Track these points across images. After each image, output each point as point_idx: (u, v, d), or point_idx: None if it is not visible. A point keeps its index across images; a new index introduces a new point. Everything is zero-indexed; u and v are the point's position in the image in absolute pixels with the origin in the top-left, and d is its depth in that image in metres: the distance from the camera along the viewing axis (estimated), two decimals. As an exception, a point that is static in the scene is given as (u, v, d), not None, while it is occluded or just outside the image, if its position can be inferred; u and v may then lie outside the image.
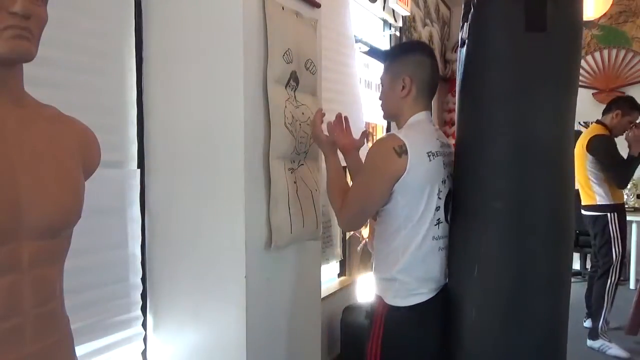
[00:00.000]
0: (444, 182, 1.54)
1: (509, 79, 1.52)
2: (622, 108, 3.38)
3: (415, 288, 1.52)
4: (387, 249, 1.55)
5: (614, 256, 3.38)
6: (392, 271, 1.52)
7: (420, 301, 1.52)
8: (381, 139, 1.58)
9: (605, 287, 3.41)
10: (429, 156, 1.49)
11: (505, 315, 1.53)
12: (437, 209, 1.52)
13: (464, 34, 1.60)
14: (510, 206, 1.52)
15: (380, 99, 1.68)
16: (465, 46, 1.60)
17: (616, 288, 3.43)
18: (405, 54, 1.64)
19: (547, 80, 1.53)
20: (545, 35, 1.49)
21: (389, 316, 1.53)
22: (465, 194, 1.60)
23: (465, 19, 1.61)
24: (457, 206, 1.62)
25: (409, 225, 1.50)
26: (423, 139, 1.52)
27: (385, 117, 1.73)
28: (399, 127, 1.62)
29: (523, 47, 1.50)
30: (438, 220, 1.53)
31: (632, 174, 3.35)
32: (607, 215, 3.39)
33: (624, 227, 3.43)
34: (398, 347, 1.53)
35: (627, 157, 3.30)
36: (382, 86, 1.66)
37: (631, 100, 3.50)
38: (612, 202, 3.40)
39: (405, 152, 1.44)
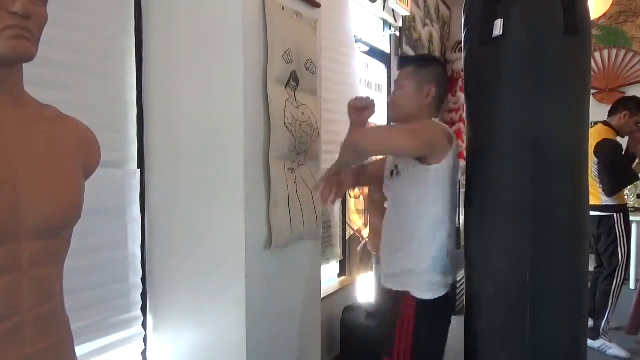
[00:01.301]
0: (457, 184, 1.67)
1: (548, 79, 1.54)
2: (629, 109, 3.39)
3: (438, 282, 1.60)
4: (413, 241, 1.60)
5: (620, 257, 3.38)
6: (422, 265, 1.58)
7: (441, 295, 1.61)
8: (441, 125, 1.68)
9: (611, 288, 3.40)
10: (454, 153, 1.62)
11: (518, 314, 1.55)
12: (458, 204, 1.71)
13: (497, 30, 1.56)
14: (522, 208, 1.53)
15: (393, 100, 1.73)
16: (498, 42, 1.56)
17: (621, 289, 3.43)
18: (431, 65, 1.75)
19: (578, 81, 1.59)
20: (579, 38, 1.54)
21: (419, 310, 1.58)
22: (486, 194, 1.61)
23: (490, 13, 1.57)
24: (477, 209, 1.64)
25: (436, 215, 1.58)
26: (450, 138, 1.63)
27: (395, 117, 1.75)
28: None
29: (562, 48, 1.53)
30: (457, 215, 1.71)
31: (623, 187, 3.38)
32: (613, 215, 3.38)
33: (629, 227, 3.44)
34: (428, 340, 1.61)
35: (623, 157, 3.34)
36: (402, 89, 1.70)
37: (638, 100, 3.49)
38: (617, 203, 3.40)
39: (451, 142, 1.59)
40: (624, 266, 3.39)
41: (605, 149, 3.32)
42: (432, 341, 1.62)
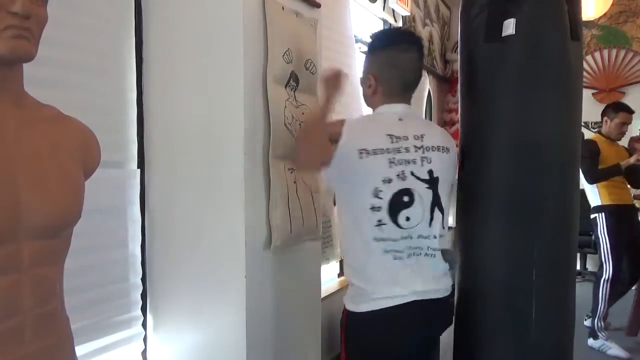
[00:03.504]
0: (387, 181, 1.42)
1: (551, 81, 1.55)
2: (607, 114, 3.61)
3: (371, 292, 1.42)
4: (344, 249, 1.54)
5: (602, 252, 3.49)
6: (348, 274, 1.49)
7: (378, 307, 1.41)
8: (338, 119, 1.55)
9: (598, 285, 3.48)
10: (360, 153, 1.41)
11: (507, 312, 1.56)
12: (377, 209, 1.42)
13: (510, 29, 1.53)
14: (511, 207, 1.54)
15: None
16: (506, 42, 1.55)
17: (610, 287, 3.45)
18: (379, 48, 1.55)
19: (575, 84, 1.60)
20: (579, 44, 1.58)
21: (348, 323, 1.48)
22: (480, 195, 1.61)
23: (498, 13, 1.56)
24: (472, 209, 1.65)
25: (350, 222, 1.47)
26: (363, 135, 1.45)
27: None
28: None
29: (567, 53, 1.55)
30: (379, 221, 1.42)
31: (599, 176, 3.43)
32: (596, 216, 3.52)
33: (612, 225, 3.48)
34: (360, 355, 1.47)
35: (614, 165, 3.43)
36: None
37: (614, 104, 3.72)
38: (600, 204, 3.51)
39: (336, 141, 1.41)
40: (610, 265, 3.46)
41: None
42: (360, 356, 1.48)
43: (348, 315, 1.47)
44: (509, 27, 1.53)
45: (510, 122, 1.57)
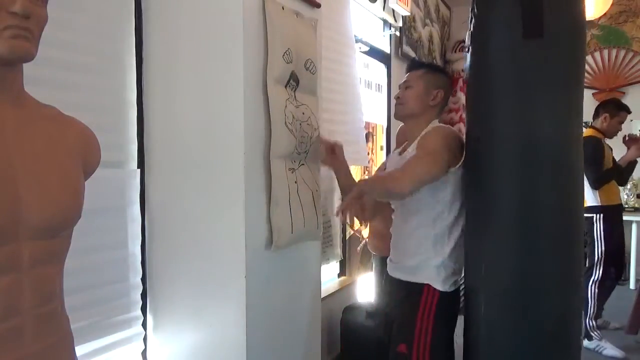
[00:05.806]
0: None
1: (510, 84, 1.58)
2: (608, 110, 3.49)
3: (456, 273, 1.73)
4: (431, 234, 1.70)
5: (596, 255, 3.46)
6: (440, 257, 1.69)
7: (455, 288, 1.74)
8: (449, 128, 1.83)
9: (587, 286, 3.45)
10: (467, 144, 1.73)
11: (512, 312, 1.58)
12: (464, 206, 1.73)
13: (467, 40, 1.69)
14: (514, 206, 1.56)
15: (401, 98, 1.81)
16: (469, 53, 1.68)
17: (598, 287, 3.45)
18: (440, 72, 1.91)
19: (548, 83, 1.57)
20: (544, 41, 1.54)
21: (440, 303, 1.68)
22: (472, 195, 1.67)
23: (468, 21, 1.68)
24: (465, 206, 1.70)
25: (454, 211, 1.70)
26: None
27: (401, 114, 1.85)
28: (416, 126, 1.79)
29: (522, 53, 1.55)
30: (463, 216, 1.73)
31: (606, 180, 3.40)
32: (593, 216, 3.47)
33: (608, 228, 3.46)
34: (446, 333, 1.71)
35: (613, 165, 3.41)
36: (411, 88, 1.80)
37: (616, 101, 3.63)
38: (598, 204, 3.47)
39: (463, 142, 1.72)
40: (601, 264, 3.45)
41: (585, 144, 3.36)
42: (448, 330, 1.73)
43: (441, 296, 1.70)
44: (467, 38, 1.70)
45: (490, 127, 1.63)
